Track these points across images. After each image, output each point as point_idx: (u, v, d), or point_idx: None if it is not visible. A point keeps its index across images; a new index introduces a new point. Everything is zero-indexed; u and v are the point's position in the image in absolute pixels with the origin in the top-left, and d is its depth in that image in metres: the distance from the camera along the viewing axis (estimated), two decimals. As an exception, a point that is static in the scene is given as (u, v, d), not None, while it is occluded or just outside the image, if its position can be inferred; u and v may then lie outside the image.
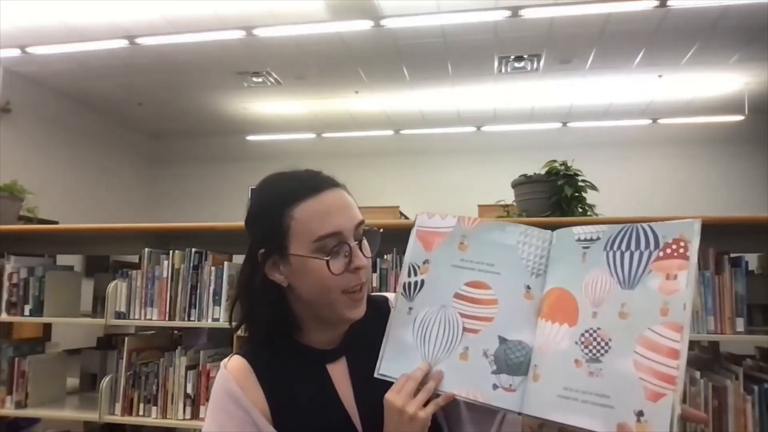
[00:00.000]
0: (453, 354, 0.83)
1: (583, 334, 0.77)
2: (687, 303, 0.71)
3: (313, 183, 0.86)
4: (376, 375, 0.85)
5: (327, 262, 0.82)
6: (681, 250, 0.74)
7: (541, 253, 0.85)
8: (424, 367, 0.82)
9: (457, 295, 0.86)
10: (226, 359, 0.91)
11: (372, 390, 0.84)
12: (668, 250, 0.75)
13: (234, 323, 0.92)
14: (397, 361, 0.85)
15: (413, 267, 0.90)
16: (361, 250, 0.86)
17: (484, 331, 0.83)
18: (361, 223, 0.87)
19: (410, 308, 0.88)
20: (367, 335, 0.88)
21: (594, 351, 0.75)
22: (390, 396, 0.80)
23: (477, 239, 0.89)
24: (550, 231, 0.87)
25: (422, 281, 0.89)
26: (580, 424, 0.73)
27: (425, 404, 0.79)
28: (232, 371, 0.88)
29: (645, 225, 0.78)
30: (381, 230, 0.90)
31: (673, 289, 0.73)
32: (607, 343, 0.75)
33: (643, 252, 0.77)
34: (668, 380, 0.69)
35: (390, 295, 0.99)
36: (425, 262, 0.90)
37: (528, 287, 0.84)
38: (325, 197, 0.85)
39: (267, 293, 0.87)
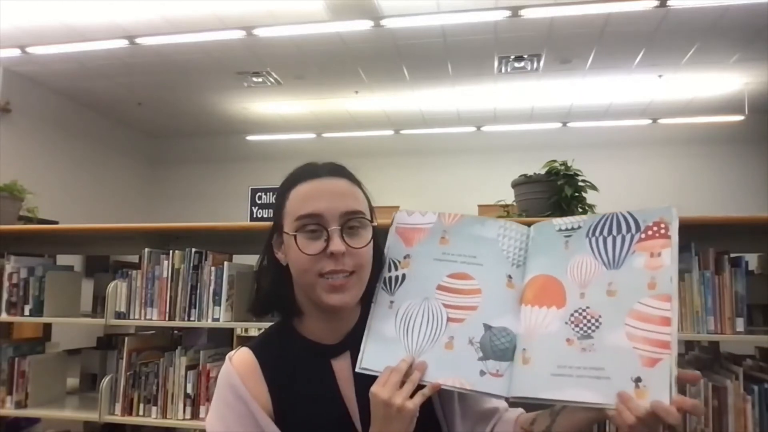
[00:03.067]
0: (437, 344, 0.84)
1: (572, 314, 0.79)
2: (673, 276, 0.75)
3: (314, 169, 0.90)
4: (357, 369, 0.85)
5: (294, 237, 0.85)
6: (662, 231, 0.78)
7: (520, 245, 0.89)
8: (408, 358, 0.83)
9: (440, 287, 0.88)
10: (233, 352, 0.92)
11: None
12: (650, 232, 0.79)
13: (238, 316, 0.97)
14: (380, 355, 0.85)
15: (393, 262, 0.92)
16: (343, 239, 0.84)
17: (468, 319, 0.85)
18: (353, 213, 0.87)
19: (391, 302, 0.89)
20: None
21: (585, 328, 0.78)
22: (375, 389, 0.80)
23: (458, 234, 0.91)
24: (526, 226, 0.91)
25: (403, 275, 0.90)
26: (577, 398, 0.74)
27: (412, 395, 0.79)
28: (237, 365, 0.89)
29: (624, 212, 0.82)
30: (374, 223, 0.90)
31: (659, 264, 0.76)
32: (597, 320, 0.77)
33: (625, 235, 0.80)
34: (663, 345, 0.71)
35: None
36: (406, 257, 0.92)
37: (510, 277, 0.87)
38: (319, 182, 0.88)
39: (271, 270, 0.92)
